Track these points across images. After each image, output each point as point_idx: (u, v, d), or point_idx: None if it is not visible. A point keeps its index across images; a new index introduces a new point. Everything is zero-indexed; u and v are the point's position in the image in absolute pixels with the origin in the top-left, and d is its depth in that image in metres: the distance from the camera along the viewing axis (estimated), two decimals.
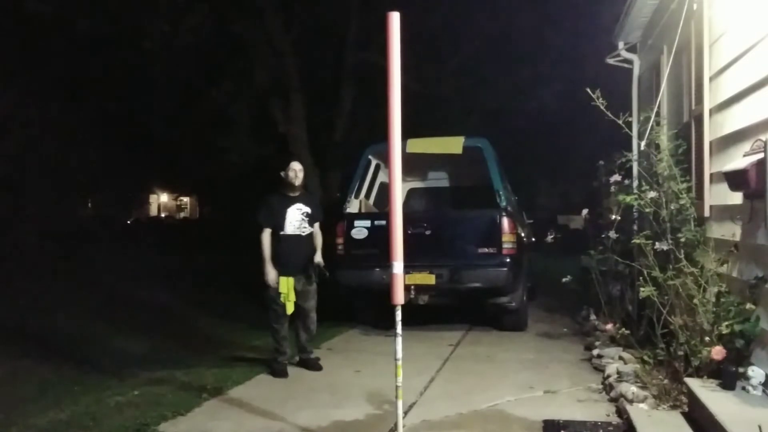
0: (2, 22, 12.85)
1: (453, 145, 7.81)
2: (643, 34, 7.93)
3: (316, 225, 5.85)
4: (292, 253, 5.65)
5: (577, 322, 7.94)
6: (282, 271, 5.62)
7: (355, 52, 13.22)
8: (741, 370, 3.93)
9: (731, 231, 4.43)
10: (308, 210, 5.76)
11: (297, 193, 5.77)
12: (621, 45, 8.28)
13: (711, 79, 4.99)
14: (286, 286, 5.63)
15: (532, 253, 9.61)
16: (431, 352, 6.46)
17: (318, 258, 5.73)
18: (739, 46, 4.35)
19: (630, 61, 8.35)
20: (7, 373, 5.79)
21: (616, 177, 6.12)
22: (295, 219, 5.69)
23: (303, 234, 5.72)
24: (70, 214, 33.82)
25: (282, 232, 5.65)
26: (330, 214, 7.82)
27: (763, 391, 3.80)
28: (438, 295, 7.26)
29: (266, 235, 5.63)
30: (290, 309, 5.68)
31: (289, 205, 5.70)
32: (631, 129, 5.71)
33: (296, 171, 5.71)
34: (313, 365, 5.84)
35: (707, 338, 4.23)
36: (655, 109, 5.66)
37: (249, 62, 12.71)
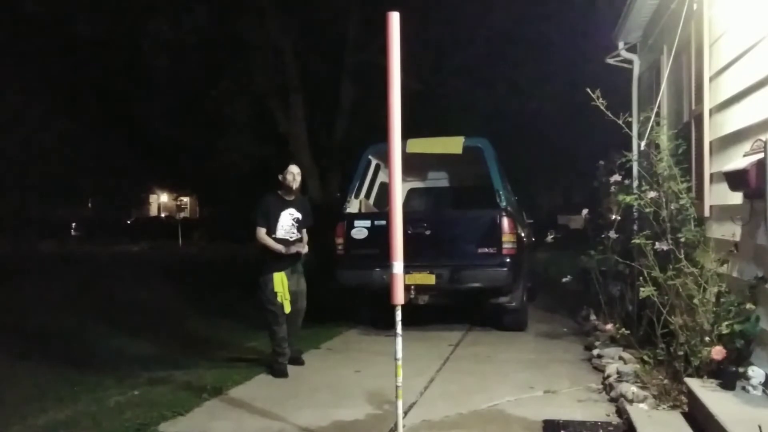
0: (2, 23, 12.86)
1: (453, 145, 7.81)
2: (643, 34, 7.93)
3: (304, 230, 5.93)
4: (280, 256, 5.69)
5: (577, 322, 7.94)
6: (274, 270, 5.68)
7: (355, 52, 13.22)
8: (741, 370, 3.93)
9: (731, 231, 4.43)
10: (299, 216, 5.81)
11: (292, 198, 5.81)
12: (621, 45, 8.28)
13: (711, 79, 5.00)
14: (281, 284, 5.67)
15: (532, 253, 9.60)
16: (431, 352, 6.45)
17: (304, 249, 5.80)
18: (739, 46, 4.35)
19: (630, 61, 8.36)
20: (7, 373, 5.79)
21: (616, 177, 6.12)
22: (287, 223, 5.75)
23: (290, 239, 5.76)
24: (70, 214, 33.94)
25: (273, 235, 5.69)
26: (330, 214, 7.84)
27: (763, 391, 3.80)
28: (438, 295, 7.27)
29: (262, 232, 5.67)
30: (288, 308, 5.72)
31: (283, 209, 5.74)
32: (631, 129, 5.71)
33: (294, 174, 5.74)
34: (296, 360, 5.90)
35: (707, 338, 4.23)
36: (655, 109, 5.66)
37: (249, 62, 12.71)
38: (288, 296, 5.71)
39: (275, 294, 5.64)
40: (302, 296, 5.89)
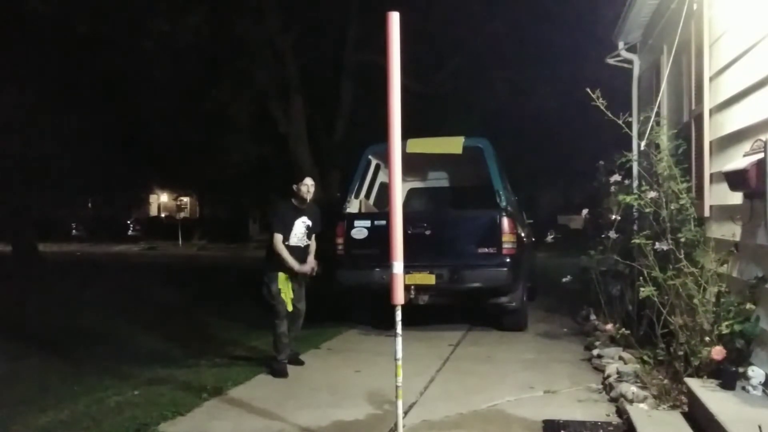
0: (2, 23, 12.84)
1: (453, 145, 7.81)
2: (643, 34, 7.94)
3: (313, 236, 6.04)
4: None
5: (577, 322, 7.93)
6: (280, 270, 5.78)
7: (355, 52, 13.23)
8: (741, 370, 3.93)
9: (731, 231, 4.43)
10: (310, 223, 5.94)
11: (305, 206, 5.91)
12: (621, 45, 8.29)
13: (711, 79, 5.00)
14: (285, 283, 5.76)
15: (532, 253, 9.60)
16: (431, 352, 6.45)
17: (310, 259, 5.91)
18: (739, 46, 4.35)
19: (630, 61, 8.36)
20: (7, 373, 5.79)
21: (616, 177, 6.12)
22: (299, 231, 5.87)
23: (302, 245, 5.89)
24: (71, 214, 33.91)
25: (286, 243, 5.80)
26: (330, 214, 7.84)
27: (763, 391, 3.80)
28: (438, 295, 7.26)
29: (279, 240, 5.75)
30: (290, 306, 5.81)
31: (296, 217, 5.86)
32: (631, 129, 5.71)
33: (308, 186, 5.85)
34: (295, 360, 5.96)
35: (707, 338, 4.23)
36: (655, 109, 5.66)
37: (249, 62, 12.71)
38: (291, 295, 5.82)
39: (279, 291, 5.73)
40: (304, 297, 5.99)
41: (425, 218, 7.56)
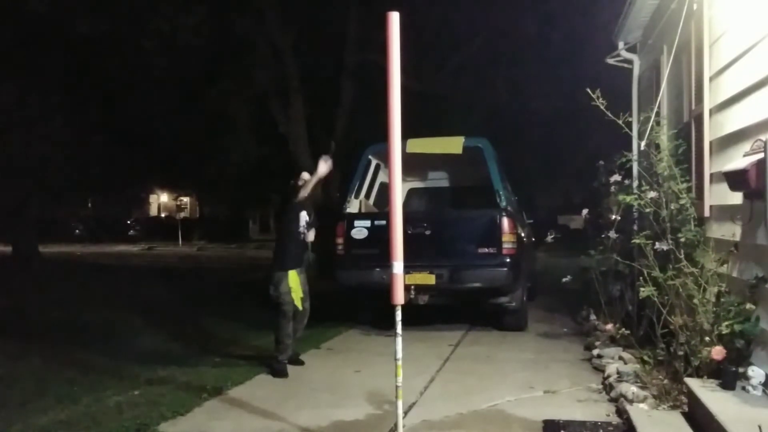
0: (2, 22, 12.85)
1: (453, 145, 7.81)
2: (643, 34, 7.93)
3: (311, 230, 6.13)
4: (296, 254, 5.91)
5: (577, 322, 7.94)
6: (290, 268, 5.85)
7: (355, 52, 13.23)
8: (741, 370, 3.93)
9: (731, 231, 4.43)
10: (307, 218, 6.04)
11: (302, 201, 5.96)
12: (621, 45, 8.28)
13: (711, 79, 5.00)
14: (295, 281, 5.81)
15: (532, 253, 9.60)
16: (431, 352, 6.46)
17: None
18: (739, 46, 4.35)
19: (630, 61, 8.35)
20: (7, 373, 5.79)
21: (616, 177, 6.12)
22: (300, 224, 5.95)
23: (300, 239, 5.95)
24: (71, 214, 33.92)
25: (292, 239, 5.90)
26: (330, 214, 7.86)
27: (763, 391, 3.80)
28: (438, 295, 7.27)
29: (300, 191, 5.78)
30: (300, 305, 5.86)
31: (299, 211, 5.94)
32: (631, 129, 5.71)
33: (306, 181, 5.91)
34: (295, 360, 5.99)
35: (707, 338, 4.23)
36: (655, 109, 5.66)
37: (249, 62, 12.72)
38: (300, 294, 5.86)
39: (289, 290, 5.76)
40: (308, 296, 6.03)
41: (425, 218, 7.56)
